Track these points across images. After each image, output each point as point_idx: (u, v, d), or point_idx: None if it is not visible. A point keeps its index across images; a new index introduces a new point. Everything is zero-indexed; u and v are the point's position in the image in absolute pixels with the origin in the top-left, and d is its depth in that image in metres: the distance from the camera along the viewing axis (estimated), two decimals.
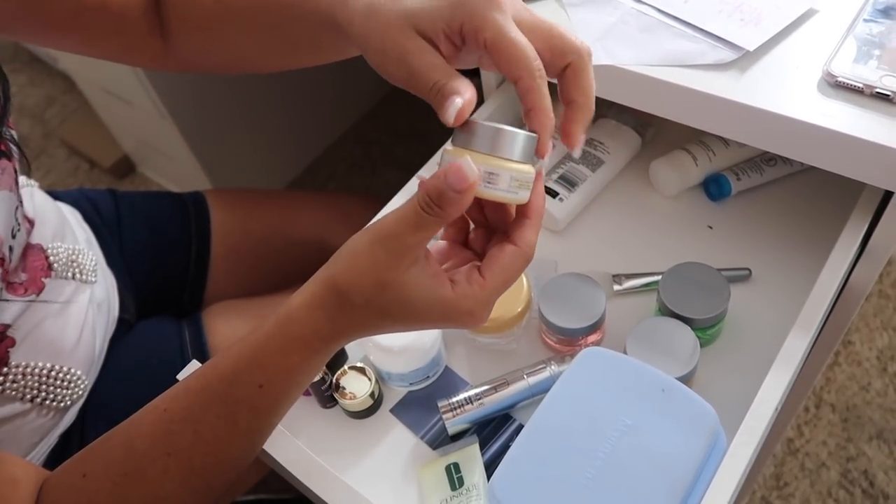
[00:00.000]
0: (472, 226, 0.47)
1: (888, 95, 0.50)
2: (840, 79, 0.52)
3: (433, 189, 0.38)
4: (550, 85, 0.41)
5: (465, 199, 0.38)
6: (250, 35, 0.54)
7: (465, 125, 0.40)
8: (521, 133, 0.40)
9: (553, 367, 0.58)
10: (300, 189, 1.66)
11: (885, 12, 0.56)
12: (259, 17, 0.53)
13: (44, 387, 0.65)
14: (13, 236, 0.61)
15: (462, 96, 0.38)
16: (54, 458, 0.69)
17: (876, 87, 0.51)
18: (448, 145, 0.42)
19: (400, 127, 1.73)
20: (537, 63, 0.40)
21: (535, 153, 0.41)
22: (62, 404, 0.68)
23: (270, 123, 1.54)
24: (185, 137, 1.36)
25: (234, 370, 0.45)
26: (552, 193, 0.69)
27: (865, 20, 0.55)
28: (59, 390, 0.67)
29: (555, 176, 0.71)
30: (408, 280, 0.40)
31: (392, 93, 1.77)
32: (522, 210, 0.43)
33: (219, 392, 0.45)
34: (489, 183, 0.40)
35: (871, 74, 0.51)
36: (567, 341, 0.60)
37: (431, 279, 0.41)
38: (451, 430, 0.57)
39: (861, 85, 0.51)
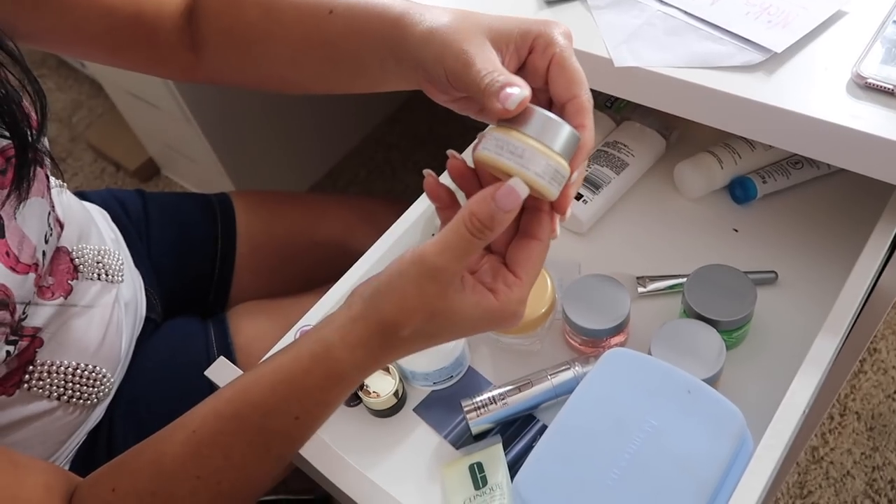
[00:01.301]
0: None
1: None
2: (870, 80, 0.52)
3: (483, 213, 0.39)
4: None
5: (512, 217, 0.40)
6: (293, 52, 0.54)
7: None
8: (569, 127, 0.41)
9: (577, 367, 0.58)
10: (323, 192, 1.67)
11: None
12: (307, 34, 0.52)
13: (69, 384, 0.66)
14: (46, 241, 0.62)
15: (523, 89, 0.39)
16: (83, 455, 0.70)
17: None
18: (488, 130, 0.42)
19: (420, 132, 1.73)
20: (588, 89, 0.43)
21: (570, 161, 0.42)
22: (89, 402, 0.68)
23: (293, 128, 1.55)
24: (209, 141, 1.37)
25: (270, 402, 0.46)
26: (576, 196, 0.69)
27: (895, 21, 0.55)
28: (84, 388, 0.68)
29: None
30: (454, 304, 0.42)
31: (413, 98, 1.77)
32: (536, 204, 0.44)
33: (252, 422, 0.46)
34: (527, 167, 0.40)
35: None
36: (591, 342, 0.60)
37: (475, 295, 0.42)
38: (475, 429, 0.57)
39: (891, 86, 0.51)
